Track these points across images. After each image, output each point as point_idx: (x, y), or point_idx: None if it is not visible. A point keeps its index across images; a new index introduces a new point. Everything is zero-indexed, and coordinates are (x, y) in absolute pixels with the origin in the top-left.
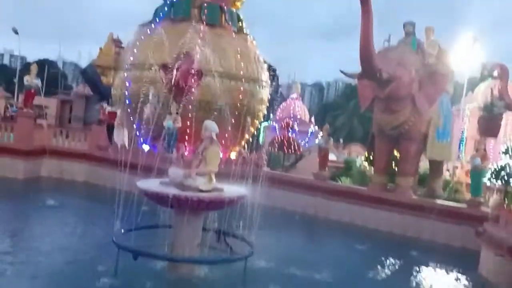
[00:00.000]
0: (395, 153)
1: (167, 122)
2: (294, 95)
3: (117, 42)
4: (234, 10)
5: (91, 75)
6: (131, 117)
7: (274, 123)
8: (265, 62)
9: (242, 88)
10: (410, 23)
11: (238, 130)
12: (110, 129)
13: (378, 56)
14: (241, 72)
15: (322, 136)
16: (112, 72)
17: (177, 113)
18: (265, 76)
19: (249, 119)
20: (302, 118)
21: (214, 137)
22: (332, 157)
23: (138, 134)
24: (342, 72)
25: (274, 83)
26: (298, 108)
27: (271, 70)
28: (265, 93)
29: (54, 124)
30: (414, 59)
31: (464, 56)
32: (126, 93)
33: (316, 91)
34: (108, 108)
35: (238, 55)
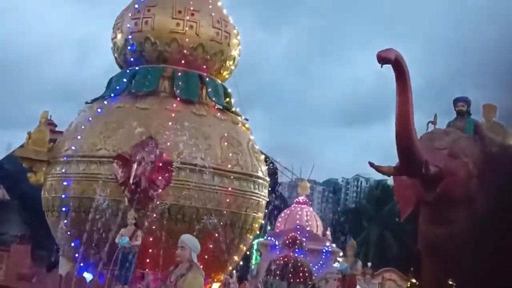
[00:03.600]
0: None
1: (121, 239)
2: (301, 198)
3: (52, 126)
4: (219, 81)
5: (10, 172)
6: (69, 232)
7: (273, 238)
8: (262, 152)
9: (230, 188)
10: (463, 99)
11: (224, 248)
12: None
13: (421, 143)
14: (229, 166)
15: (345, 257)
16: (44, 167)
17: (136, 224)
18: (262, 171)
19: (239, 233)
20: (313, 230)
21: (195, 258)
22: None
23: (77, 256)
24: (371, 165)
25: (271, 182)
26: (308, 216)
27: (269, 163)
28: (262, 195)
29: None
30: (471, 147)
31: None
32: (63, 197)
33: (330, 191)
34: None
35: (225, 142)
